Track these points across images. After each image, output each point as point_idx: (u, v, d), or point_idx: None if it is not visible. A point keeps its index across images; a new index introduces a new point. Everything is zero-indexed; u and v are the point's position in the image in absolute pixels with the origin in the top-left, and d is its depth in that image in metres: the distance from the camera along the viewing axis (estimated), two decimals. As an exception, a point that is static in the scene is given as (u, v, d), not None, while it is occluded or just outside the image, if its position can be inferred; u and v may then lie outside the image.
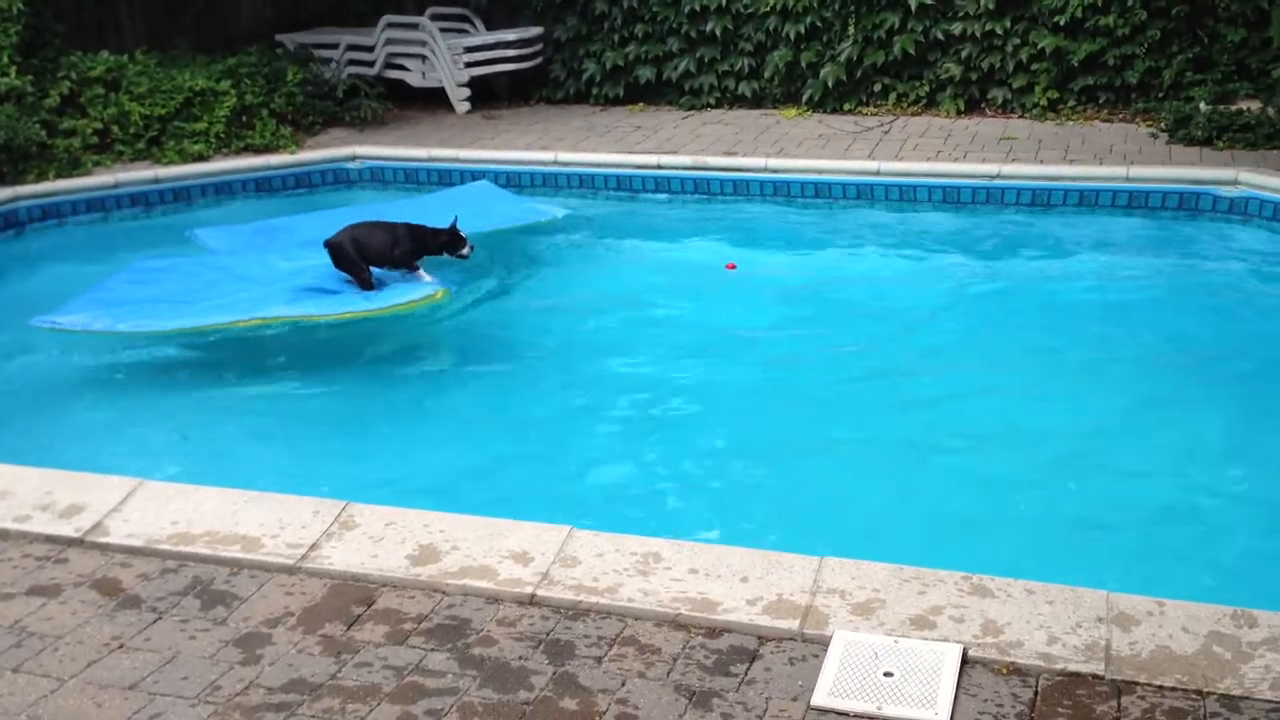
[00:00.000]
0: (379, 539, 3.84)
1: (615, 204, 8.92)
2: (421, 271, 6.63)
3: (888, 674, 3.13)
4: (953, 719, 2.98)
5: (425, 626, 3.44)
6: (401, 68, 10.97)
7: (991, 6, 9.75)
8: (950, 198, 8.35)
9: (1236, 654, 3.13)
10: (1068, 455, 5.04)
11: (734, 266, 7.42)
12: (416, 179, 9.43)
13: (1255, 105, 8.95)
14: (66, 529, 3.99)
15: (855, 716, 3.01)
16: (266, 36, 11.27)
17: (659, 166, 8.97)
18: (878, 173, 8.50)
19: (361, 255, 6.39)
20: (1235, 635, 3.19)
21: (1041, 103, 9.80)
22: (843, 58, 10.21)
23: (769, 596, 3.46)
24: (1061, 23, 9.61)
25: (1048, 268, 7.46)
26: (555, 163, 9.16)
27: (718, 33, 10.51)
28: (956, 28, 9.93)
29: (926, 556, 3.66)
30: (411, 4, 11.44)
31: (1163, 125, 9.02)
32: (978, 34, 9.87)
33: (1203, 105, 9.03)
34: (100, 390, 5.93)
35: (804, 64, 10.36)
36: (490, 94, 11.18)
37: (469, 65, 10.78)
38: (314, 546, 3.82)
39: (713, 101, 10.73)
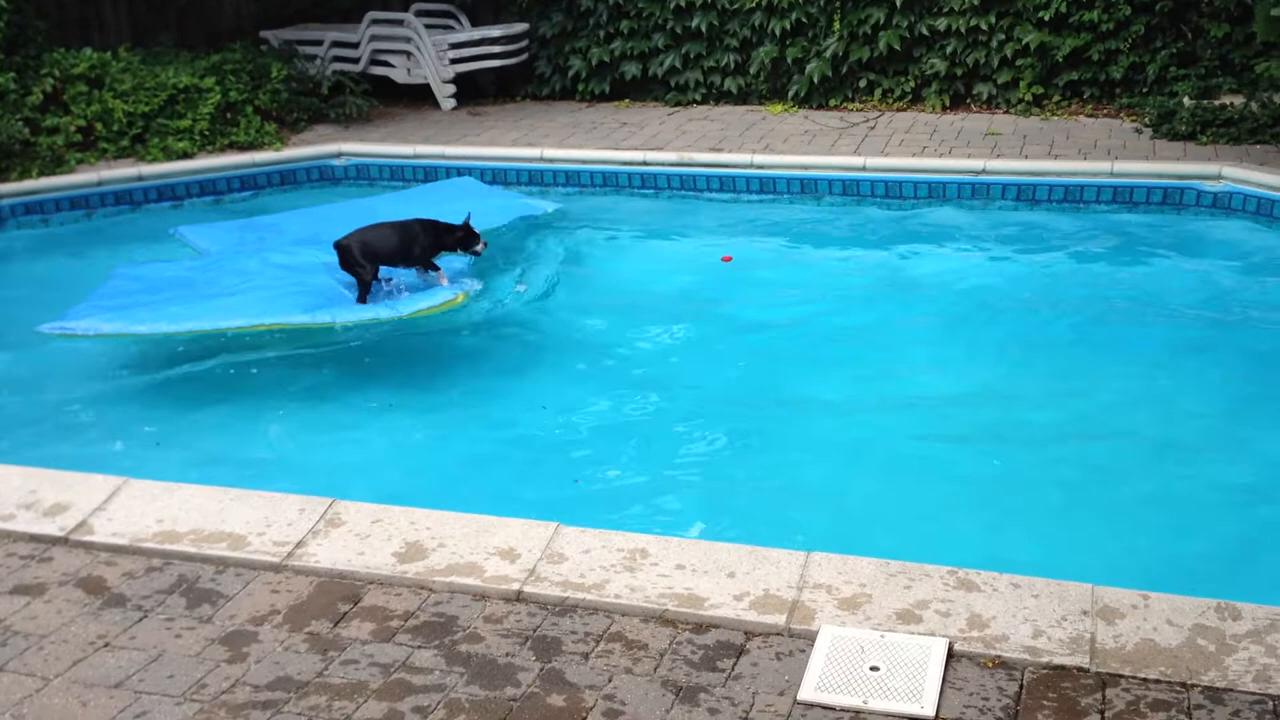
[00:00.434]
0: (365, 536, 3.83)
1: (601, 200, 8.92)
2: (441, 273, 6.55)
3: (874, 668, 3.13)
4: (939, 713, 2.99)
5: (412, 624, 3.44)
6: (386, 64, 10.94)
7: (976, 2, 9.78)
8: (936, 193, 8.37)
9: (1221, 646, 3.14)
10: (1052, 449, 5.06)
11: (729, 259, 7.42)
12: (402, 176, 9.41)
13: (1239, 100, 8.99)
14: (51, 528, 3.97)
15: (842, 711, 3.02)
16: (250, 33, 11.23)
17: (645, 163, 8.97)
18: (863, 168, 8.51)
19: (371, 259, 6.28)
20: (1219, 628, 3.21)
21: (1026, 98, 9.83)
22: (828, 53, 10.22)
23: (755, 592, 3.47)
24: (1046, 18, 9.64)
25: (1033, 263, 7.48)
26: (541, 159, 9.15)
27: (703, 29, 10.51)
28: (941, 23, 9.95)
29: (913, 551, 3.67)
30: (397, 0, 11.41)
31: (1147, 120, 9.06)
32: (962, 29, 9.90)
33: (1186, 100, 9.07)
34: (86, 389, 5.90)
35: (790, 60, 10.37)
36: (475, 90, 11.16)
37: (454, 62, 10.76)
38: (300, 544, 3.81)
39: (699, 98, 10.74)
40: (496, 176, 9.10)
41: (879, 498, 4.76)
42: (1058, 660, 3.13)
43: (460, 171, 9.16)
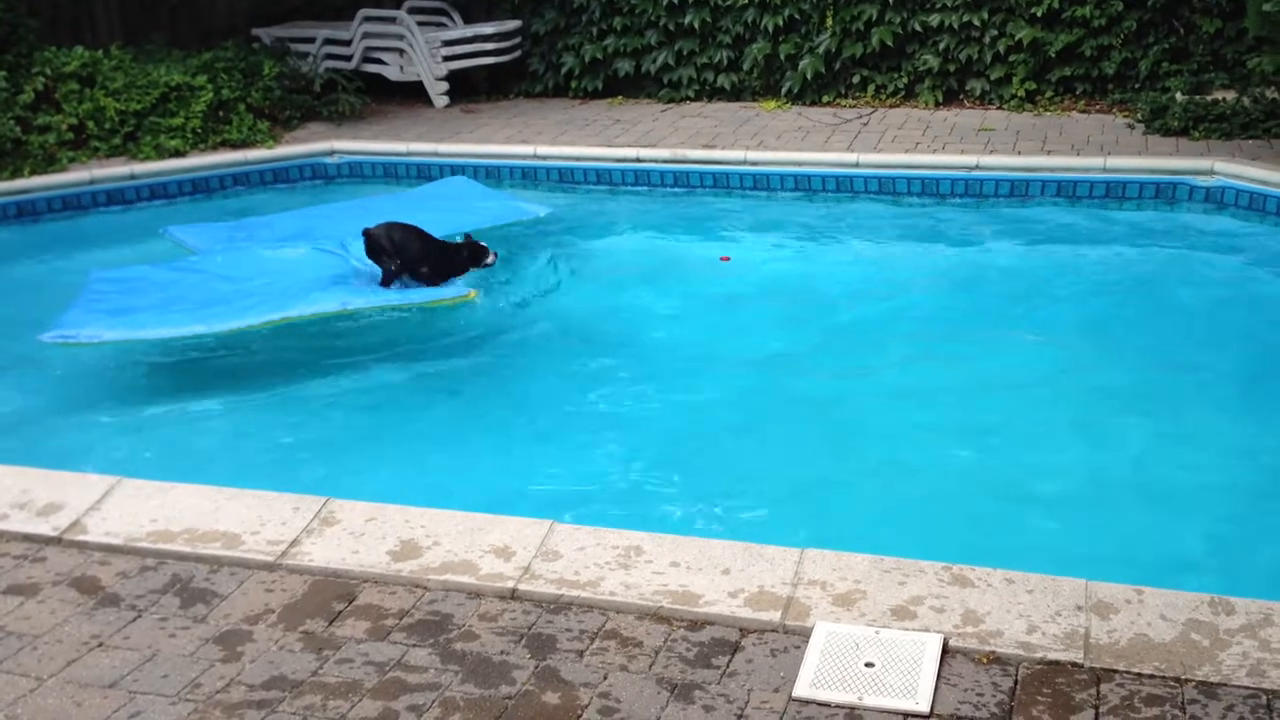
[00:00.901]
0: (360, 535, 3.83)
1: (595, 197, 8.91)
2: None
3: (869, 664, 3.14)
4: (933, 708, 2.99)
5: (407, 622, 3.43)
6: (379, 61, 10.92)
7: (969, -2, 9.79)
8: (929, 189, 8.37)
9: (1214, 641, 3.15)
10: (1046, 443, 5.06)
11: (728, 259, 7.40)
12: (395, 173, 9.40)
13: (1230, 95, 9.00)
14: (44, 527, 3.96)
15: (837, 707, 3.02)
16: (242, 31, 11.21)
17: (638, 160, 8.96)
18: (857, 164, 8.51)
19: (397, 252, 6.37)
20: (1213, 623, 3.22)
21: (1019, 94, 9.84)
22: (821, 50, 10.22)
23: (750, 589, 3.47)
24: (1038, 14, 9.64)
25: (1026, 258, 7.49)
26: (534, 156, 9.15)
27: (696, 25, 10.50)
28: (934, 19, 9.95)
29: (907, 547, 3.67)
30: (389, -3, 11.39)
31: (1139, 116, 9.07)
32: (955, 25, 9.90)
33: (1179, 95, 9.08)
34: (79, 389, 5.89)
35: (783, 56, 10.37)
36: (469, 88, 11.15)
37: (447, 59, 10.74)
38: (294, 543, 3.80)
39: (692, 94, 10.73)
40: (490, 174, 9.09)
41: (873, 494, 4.76)
42: (1052, 656, 3.14)
43: (454, 169, 9.15)
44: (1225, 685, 3.01)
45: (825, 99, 10.35)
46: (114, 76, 9.39)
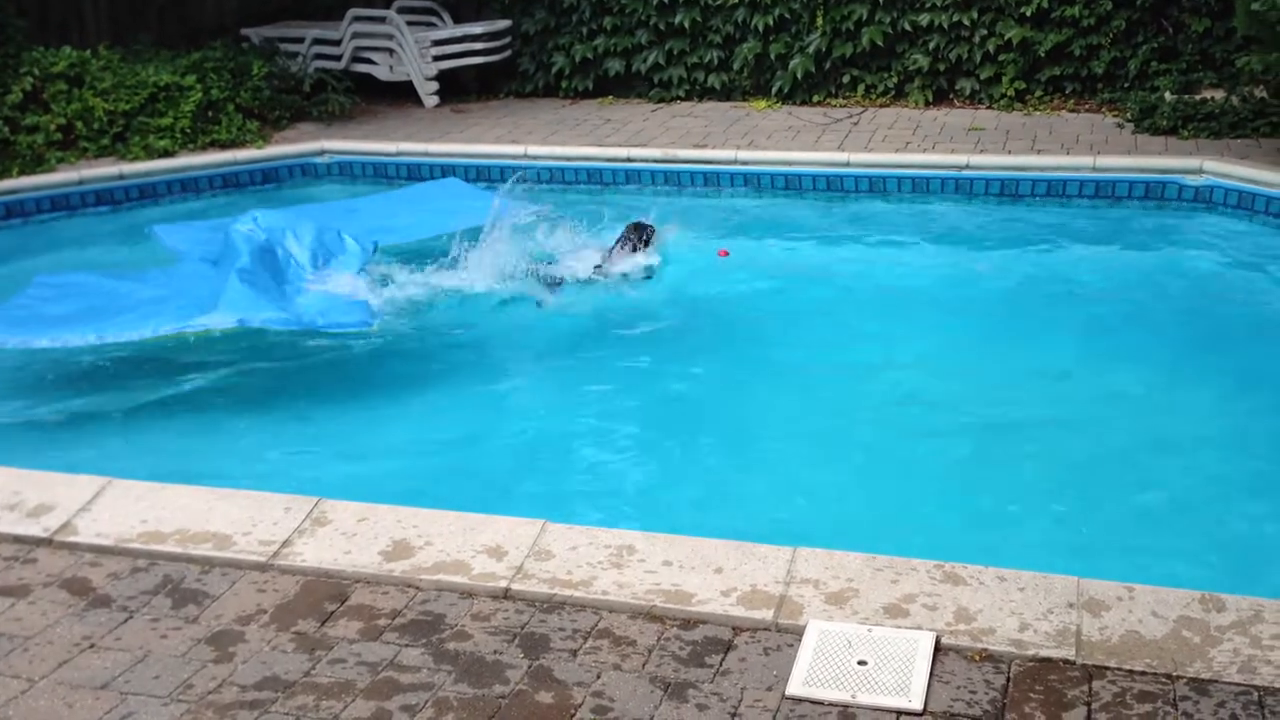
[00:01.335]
0: (352, 535, 3.83)
1: (586, 197, 8.91)
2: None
3: (861, 662, 3.14)
4: (926, 706, 3.00)
5: (399, 622, 3.43)
6: (369, 61, 10.90)
7: (958, -2, 9.81)
8: (920, 188, 8.38)
9: (1205, 638, 3.16)
10: (1037, 442, 5.08)
11: (726, 254, 7.40)
12: (385, 173, 9.38)
13: (1220, 94, 9.03)
14: (34, 529, 3.95)
15: (830, 705, 3.02)
16: (231, 31, 11.17)
17: (629, 159, 8.96)
18: (847, 164, 8.52)
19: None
20: (1204, 619, 3.23)
21: (1009, 93, 9.86)
22: (811, 49, 10.23)
23: (743, 587, 3.47)
24: (1028, 13, 9.66)
25: (1017, 257, 7.51)
26: (525, 156, 9.14)
27: (686, 25, 10.50)
28: (924, 19, 9.96)
29: (899, 545, 3.68)
30: (378, -3, 11.37)
31: (1128, 115, 9.09)
32: (945, 25, 9.91)
33: (1168, 95, 9.11)
34: (67, 392, 5.87)
35: (773, 56, 10.38)
36: (458, 87, 11.13)
37: (437, 59, 10.72)
38: (286, 543, 3.80)
39: (682, 94, 10.73)
40: (480, 174, 9.08)
41: (865, 492, 4.77)
42: (1044, 653, 3.15)
43: (444, 169, 9.14)
44: (1216, 682, 3.02)
45: (815, 98, 10.36)
46: (102, 76, 9.35)
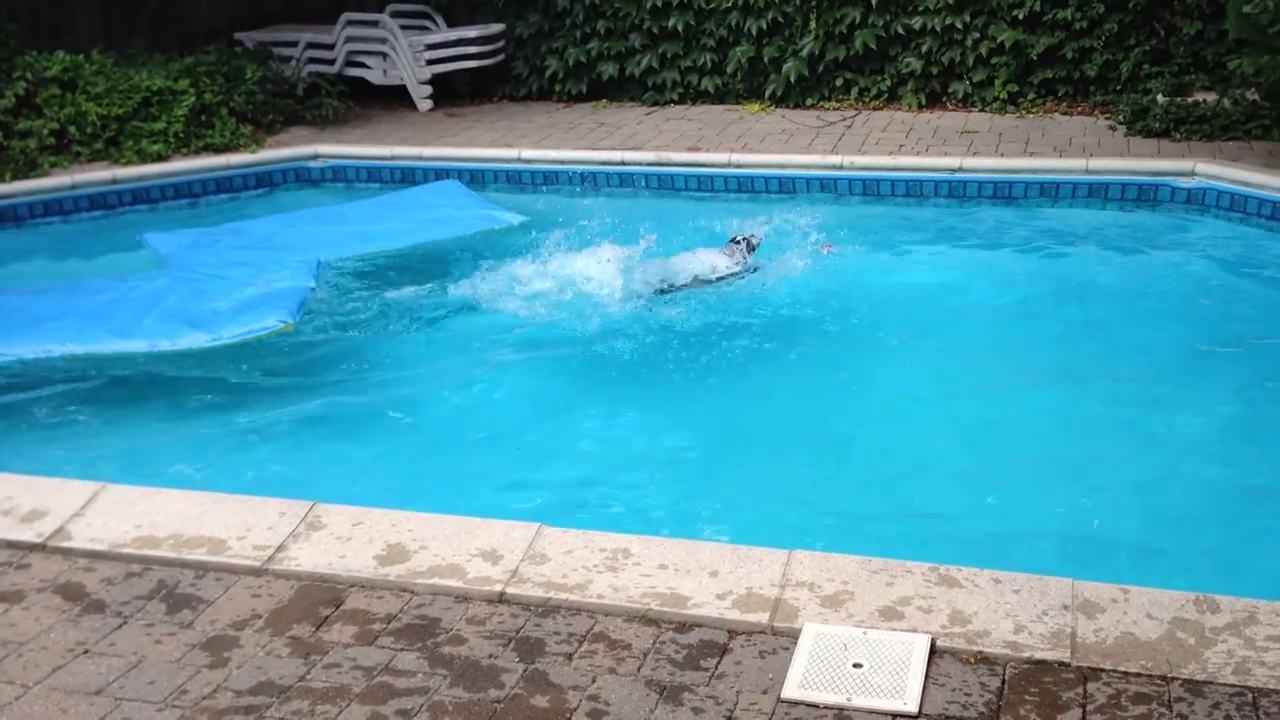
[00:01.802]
0: (347, 539, 3.82)
1: (579, 201, 8.91)
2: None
3: (857, 665, 3.14)
4: (921, 709, 3.00)
5: (394, 626, 3.42)
6: (362, 65, 10.90)
7: (951, 1, 9.82)
8: (914, 191, 8.40)
9: (1200, 639, 3.17)
10: (1031, 445, 5.09)
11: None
12: (379, 177, 9.38)
13: (1211, 97, 9.06)
14: (28, 534, 3.93)
15: (825, 708, 3.03)
16: (224, 35, 11.17)
17: (623, 163, 8.97)
18: (841, 167, 8.54)
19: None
20: (1198, 621, 3.24)
21: (1001, 96, 9.88)
22: (804, 53, 10.25)
23: (738, 590, 3.47)
24: (1020, 16, 9.69)
25: (1010, 260, 7.52)
26: (519, 160, 9.14)
27: (680, 28, 10.52)
28: (917, 22, 9.98)
29: (895, 548, 3.68)
30: (372, 1, 11.36)
31: (1121, 118, 9.12)
32: (938, 28, 9.94)
33: (1160, 97, 9.14)
34: (56, 397, 5.85)
35: (766, 59, 10.39)
36: (452, 91, 11.13)
37: (430, 63, 10.73)
38: (281, 548, 3.79)
39: (676, 97, 10.74)
40: (474, 177, 9.09)
41: (861, 495, 4.77)
42: (1039, 655, 3.15)
43: (438, 173, 9.16)
44: (1211, 683, 3.02)
45: (809, 102, 10.38)
46: (95, 81, 9.34)
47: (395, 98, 11.01)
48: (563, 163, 9.08)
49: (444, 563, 3.67)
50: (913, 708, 2.99)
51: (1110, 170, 8.08)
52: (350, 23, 10.80)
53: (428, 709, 3.08)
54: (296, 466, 5.06)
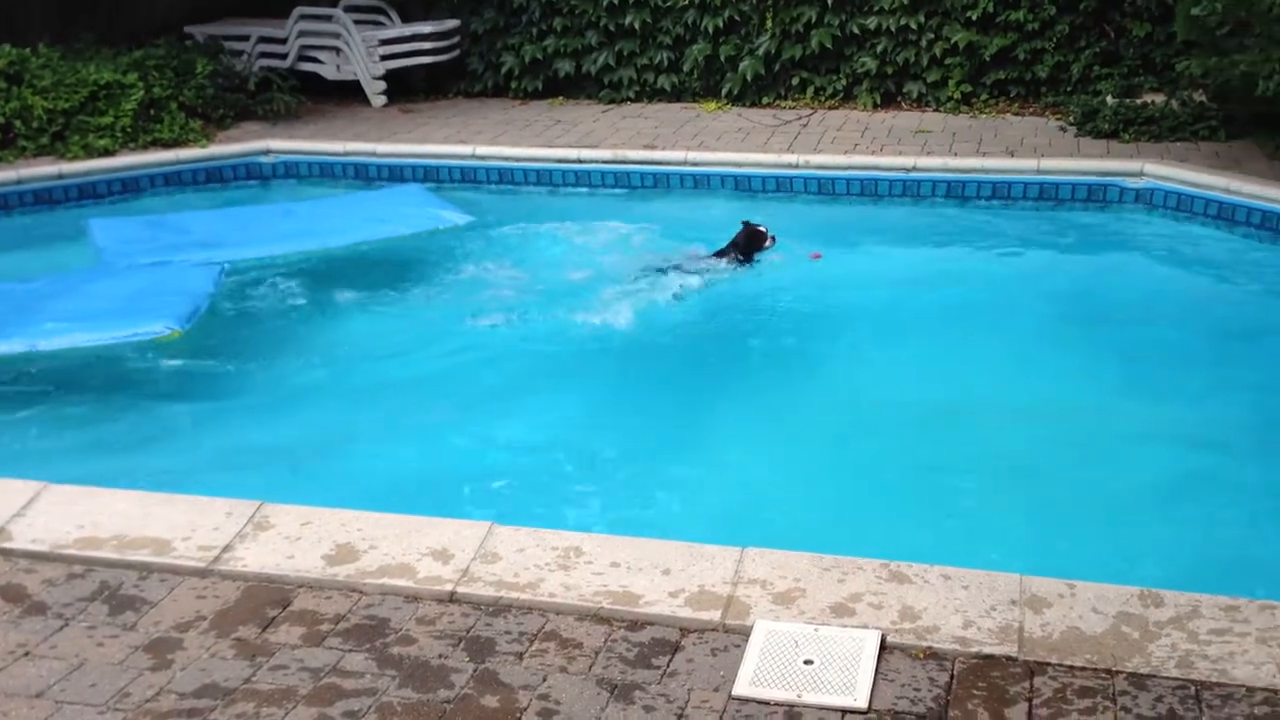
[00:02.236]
0: (295, 539, 3.77)
1: (535, 199, 8.88)
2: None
3: (808, 661, 3.15)
4: (871, 704, 3.01)
5: (343, 627, 3.39)
6: (315, 60, 10.79)
7: (906, 1, 9.88)
8: (869, 190, 8.44)
9: (1144, 633, 3.20)
10: (979, 441, 5.12)
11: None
12: (332, 173, 9.29)
13: (1160, 98, 9.18)
14: (-33, 536, 3.86)
15: (776, 705, 3.03)
16: (175, 29, 11.01)
17: (579, 160, 8.94)
18: (796, 165, 8.56)
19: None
20: (1143, 615, 3.27)
21: (955, 96, 9.96)
22: (761, 51, 10.27)
23: (691, 588, 3.47)
24: (973, 17, 9.77)
25: (962, 258, 7.58)
26: (473, 156, 9.09)
27: (636, 26, 10.50)
28: (872, 22, 10.04)
29: (847, 545, 3.69)
30: (325, -5, 11.26)
31: (1071, 118, 9.22)
32: (893, 29, 9.99)
33: (1109, 99, 9.24)
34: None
35: (723, 58, 10.40)
36: (407, 87, 11.05)
37: (385, 58, 10.64)
38: (227, 548, 3.74)
39: (632, 95, 10.73)
40: (428, 174, 9.03)
41: (812, 493, 4.78)
42: (987, 650, 3.17)
43: (392, 169, 9.10)
44: (1154, 676, 3.06)
45: (765, 100, 10.40)
46: (42, 74, 9.17)
47: (349, 93, 10.91)
48: (518, 160, 9.04)
49: (394, 562, 3.64)
50: (862, 704, 3.00)
51: (1061, 170, 8.17)
52: (303, 17, 10.69)
53: (376, 710, 3.05)
54: (244, 466, 4.99)
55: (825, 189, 8.50)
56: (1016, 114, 9.75)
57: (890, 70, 10.15)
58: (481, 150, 9.10)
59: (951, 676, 3.10)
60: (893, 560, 3.54)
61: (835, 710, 3.00)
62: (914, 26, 9.94)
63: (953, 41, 9.86)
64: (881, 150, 8.70)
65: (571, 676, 3.15)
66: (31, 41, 9.79)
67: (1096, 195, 8.08)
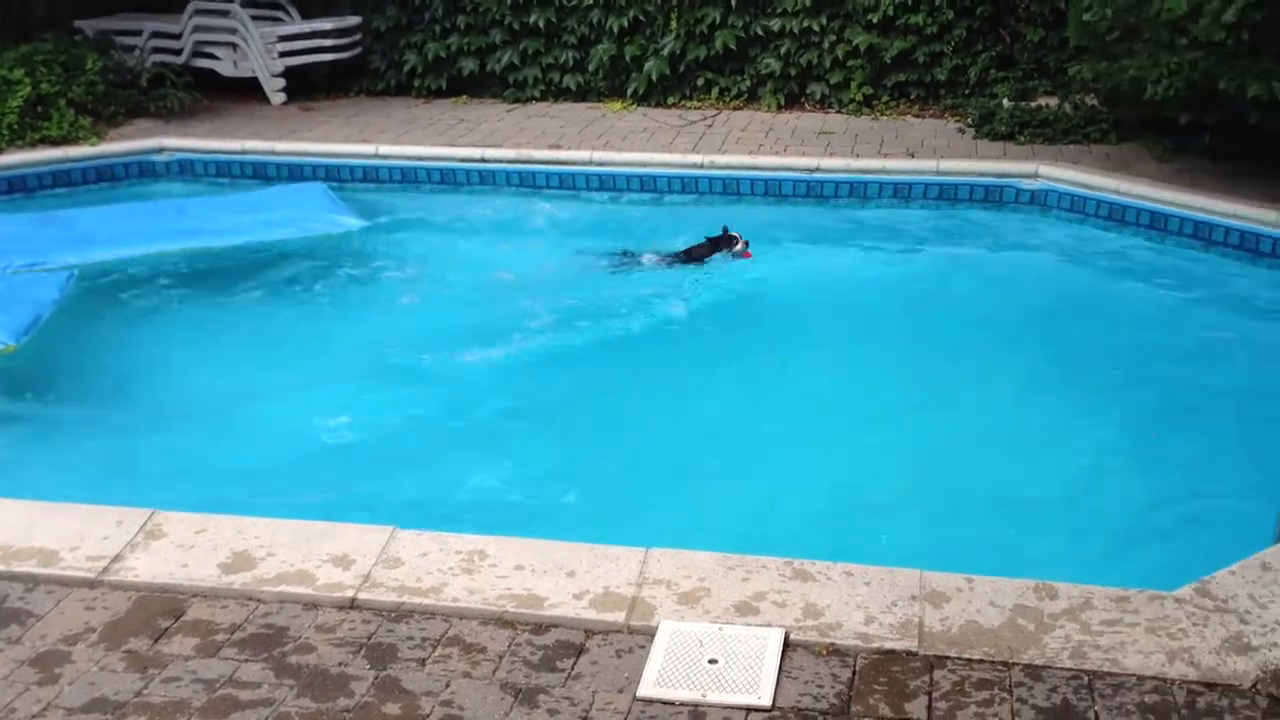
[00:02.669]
0: (189, 547, 3.67)
1: (439, 198, 8.78)
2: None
3: (712, 661, 3.16)
4: (775, 702, 3.02)
5: (239, 636, 3.30)
6: (211, 56, 10.53)
7: (809, 4, 9.98)
8: (773, 190, 8.51)
9: (1039, 625, 3.27)
10: (879, 440, 5.19)
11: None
12: (229, 172, 9.08)
13: (1053, 102, 9.41)
14: None
15: (681, 705, 3.03)
16: (63, 23, 10.65)
17: (483, 160, 8.87)
18: (702, 165, 8.60)
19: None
20: (1038, 607, 3.34)
21: (857, 98, 10.10)
22: (665, 52, 10.30)
23: (595, 590, 3.45)
24: (874, 20, 9.91)
25: (864, 258, 7.69)
26: (376, 155, 8.96)
27: (541, 25, 10.45)
28: (775, 24, 10.13)
29: (751, 544, 3.71)
30: (222, -10, 10.98)
31: (969, 121, 9.41)
32: (796, 31, 10.10)
33: (1005, 102, 9.46)
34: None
35: (628, 58, 10.41)
36: (308, 85, 10.84)
37: (284, 55, 10.42)
38: (117, 558, 3.62)
39: (537, 94, 10.67)
40: (329, 173, 8.87)
41: (717, 492, 4.80)
42: (888, 645, 3.21)
43: (291, 169, 8.93)
44: (1049, 667, 3.13)
45: (670, 100, 10.43)
46: (-78, 69, 8.82)
47: (247, 90, 10.66)
48: (421, 159, 8.93)
49: (292, 569, 3.56)
50: (766, 702, 3.02)
51: (959, 172, 8.33)
52: (198, 11, 10.42)
53: (273, 721, 2.98)
54: (134, 474, 4.85)
55: (730, 189, 8.56)
56: (917, 116, 9.92)
57: (794, 72, 10.25)
58: (384, 149, 8.97)
59: (854, 672, 3.14)
60: (796, 558, 3.56)
61: (740, 709, 3.01)
62: (816, 29, 10.06)
63: (854, 44, 9.99)
64: (785, 151, 8.79)
65: (475, 682, 3.12)
66: (-89, 34, 9.41)
67: (994, 196, 8.26)
